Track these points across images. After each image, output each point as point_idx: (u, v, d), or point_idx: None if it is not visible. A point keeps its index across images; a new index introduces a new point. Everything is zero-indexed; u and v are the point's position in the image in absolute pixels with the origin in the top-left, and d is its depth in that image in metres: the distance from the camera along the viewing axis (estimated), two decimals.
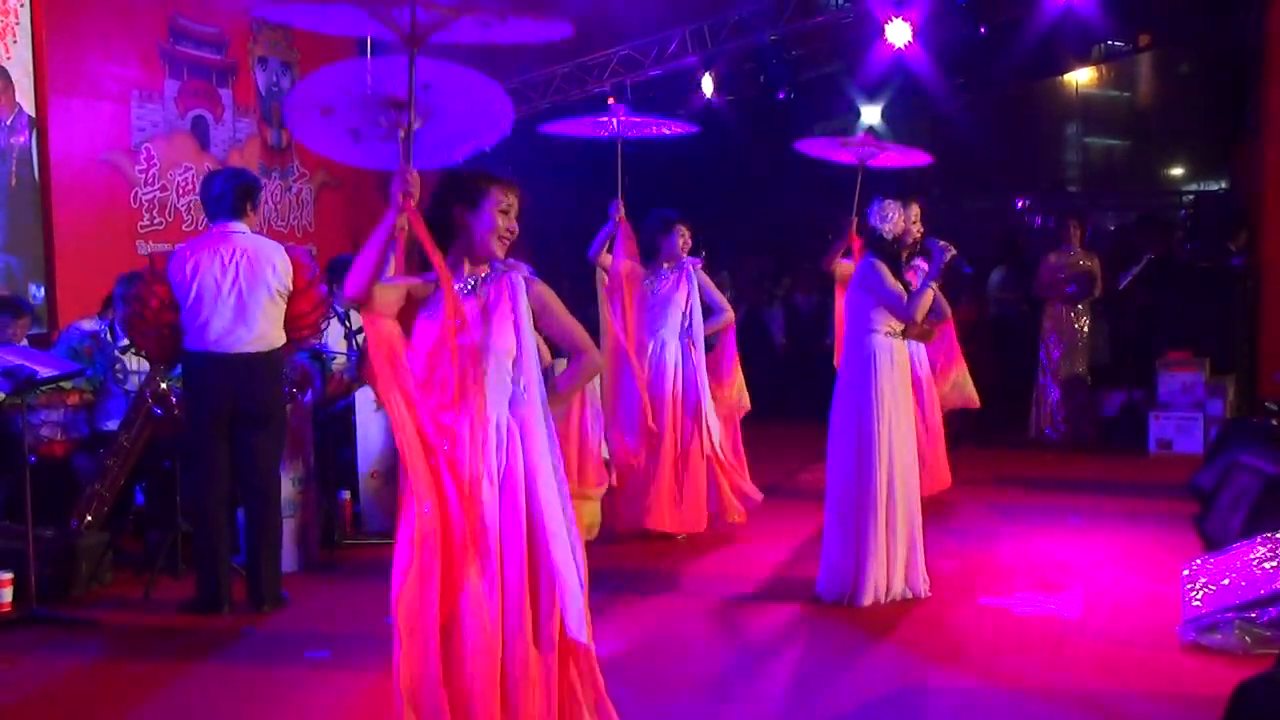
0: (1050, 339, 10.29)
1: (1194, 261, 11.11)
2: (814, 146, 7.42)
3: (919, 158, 7.34)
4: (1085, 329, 10.25)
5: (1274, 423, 7.21)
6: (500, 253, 3.52)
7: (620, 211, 7.06)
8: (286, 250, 5.73)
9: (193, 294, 5.51)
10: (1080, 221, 10.80)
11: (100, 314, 7.21)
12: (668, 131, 7.60)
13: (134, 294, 5.74)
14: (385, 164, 3.44)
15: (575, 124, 7.51)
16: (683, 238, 7.11)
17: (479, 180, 3.51)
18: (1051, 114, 16.55)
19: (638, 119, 7.41)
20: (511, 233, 3.53)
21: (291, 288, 5.65)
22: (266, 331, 5.61)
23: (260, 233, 5.86)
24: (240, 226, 5.63)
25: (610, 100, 6.78)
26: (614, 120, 7.25)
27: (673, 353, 7.07)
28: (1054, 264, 10.31)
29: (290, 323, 5.71)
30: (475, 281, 3.51)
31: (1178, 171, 16.73)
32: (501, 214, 3.50)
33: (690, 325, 7.11)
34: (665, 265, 7.11)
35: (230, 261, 5.53)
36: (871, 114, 15.84)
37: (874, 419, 5.57)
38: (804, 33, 11.21)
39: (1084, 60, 13.74)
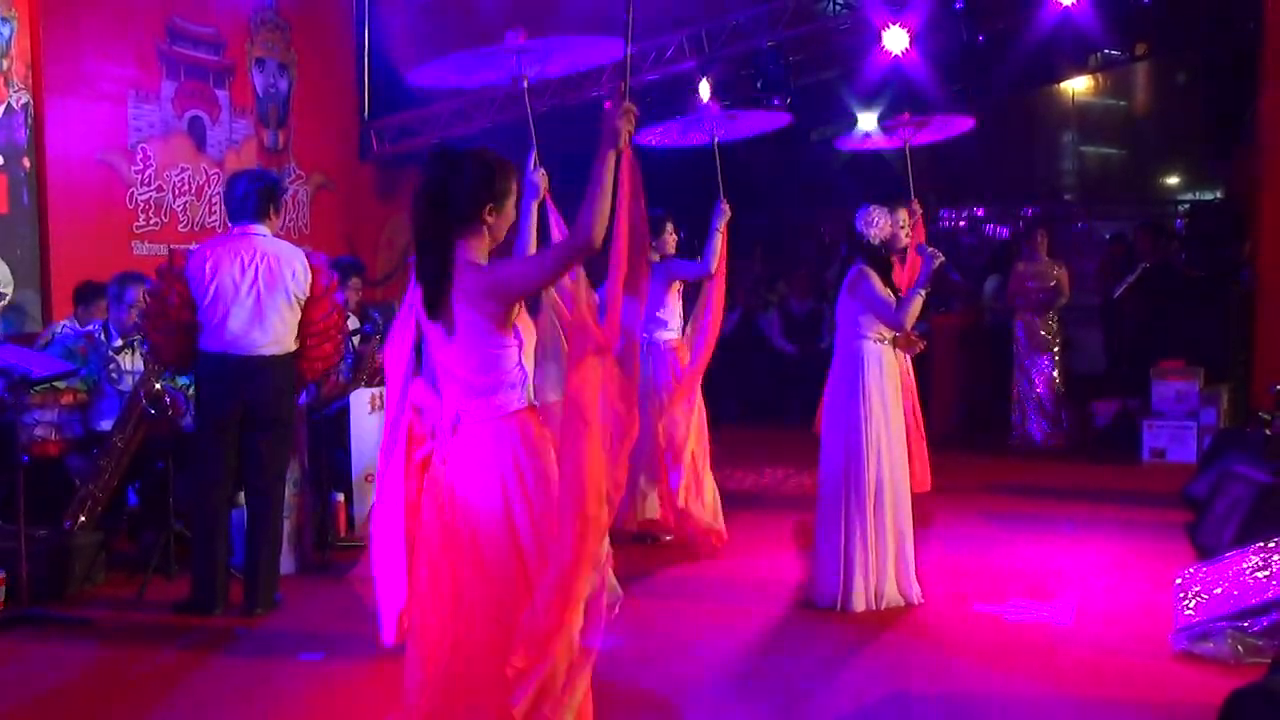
0: (1022, 347, 10.31)
1: (1189, 270, 11.13)
2: (855, 142, 7.29)
3: (962, 123, 6.92)
4: (1055, 337, 10.26)
5: (1267, 432, 7.21)
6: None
7: (728, 210, 6.98)
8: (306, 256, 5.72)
9: (210, 294, 5.50)
10: (1048, 230, 10.90)
11: (73, 313, 7.17)
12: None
13: (154, 290, 5.75)
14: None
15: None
16: (672, 235, 7.13)
17: (506, 172, 3.19)
18: (1048, 122, 16.57)
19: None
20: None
21: (309, 294, 5.65)
22: (282, 335, 5.60)
23: None
24: (262, 229, 5.63)
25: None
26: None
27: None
28: (1022, 273, 10.37)
29: (301, 328, 5.69)
30: None
31: (1173, 180, 16.76)
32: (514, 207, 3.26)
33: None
34: (657, 260, 7.10)
35: (250, 264, 5.52)
36: (868, 120, 15.85)
37: (862, 425, 5.57)
38: (801, 38, 11.21)
39: (1081, 69, 13.75)
